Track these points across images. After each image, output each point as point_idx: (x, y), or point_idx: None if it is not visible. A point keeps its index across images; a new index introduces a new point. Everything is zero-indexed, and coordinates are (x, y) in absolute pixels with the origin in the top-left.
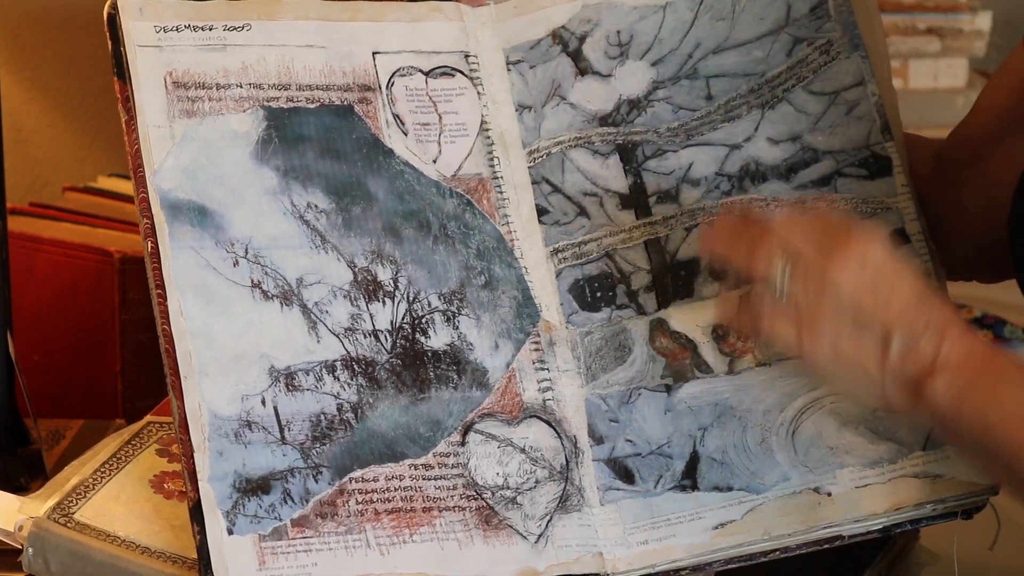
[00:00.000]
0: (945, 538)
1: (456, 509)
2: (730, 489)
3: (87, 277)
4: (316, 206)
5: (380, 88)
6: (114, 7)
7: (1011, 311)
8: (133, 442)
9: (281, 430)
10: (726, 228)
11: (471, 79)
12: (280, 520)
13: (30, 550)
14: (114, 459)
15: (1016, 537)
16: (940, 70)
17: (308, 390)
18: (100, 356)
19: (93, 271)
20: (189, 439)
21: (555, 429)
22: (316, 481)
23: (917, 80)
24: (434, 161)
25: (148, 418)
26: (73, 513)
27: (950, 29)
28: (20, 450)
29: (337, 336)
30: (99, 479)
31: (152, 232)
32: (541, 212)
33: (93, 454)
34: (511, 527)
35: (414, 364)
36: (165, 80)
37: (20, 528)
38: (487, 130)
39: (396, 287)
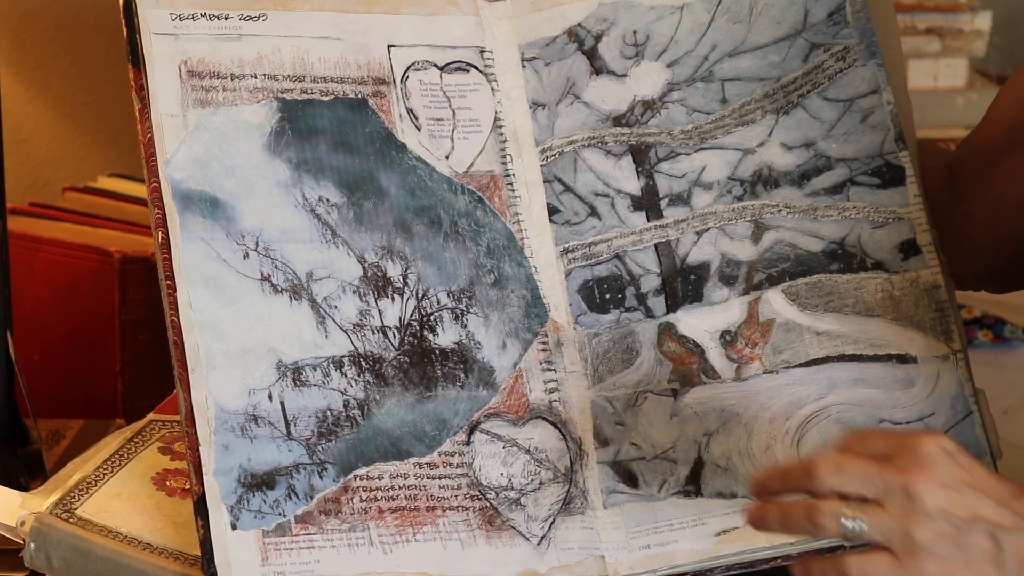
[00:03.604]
0: None
1: (460, 509)
2: (734, 496)
3: (87, 277)
4: (327, 200)
5: (394, 82)
6: None
7: (1011, 311)
8: (135, 440)
9: (287, 425)
10: (770, 507)
11: (486, 75)
12: (284, 516)
13: (32, 545)
14: (116, 456)
15: None
16: (940, 70)
17: (315, 386)
18: (100, 356)
19: (93, 271)
20: (195, 432)
21: (560, 430)
22: (321, 478)
23: (917, 80)
24: (447, 157)
25: (150, 416)
26: (75, 509)
27: (950, 29)
28: (20, 450)
29: (345, 332)
30: (101, 476)
31: (163, 222)
32: (552, 211)
33: (95, 451)
34: (514, 528)
35: (421, 362)
36: (180, 69)
37: (22, 524)
38: (500, 127)
39: (405, 283)
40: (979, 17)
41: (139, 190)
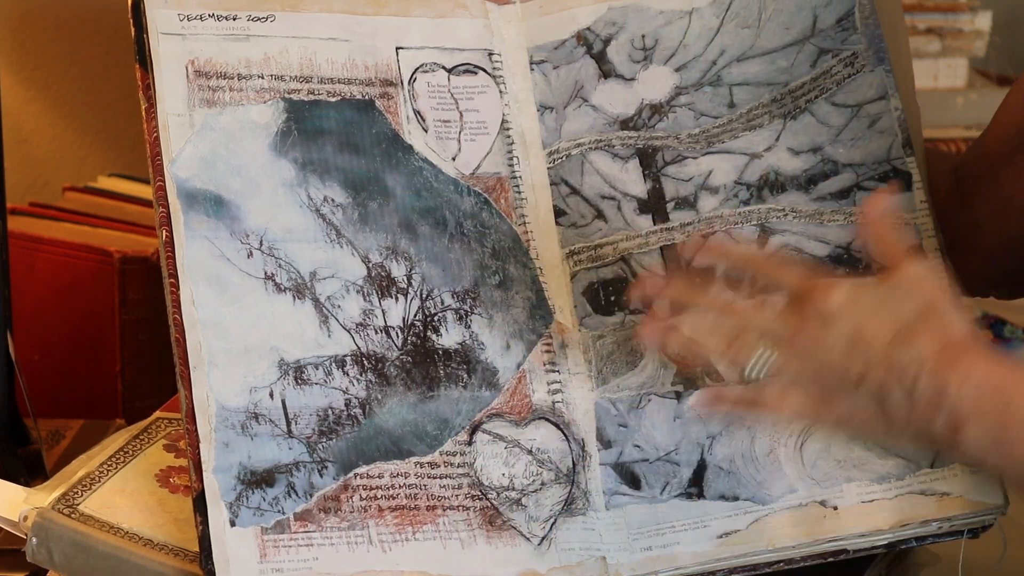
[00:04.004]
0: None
1: (460, 508)
2: (736, 499)
3: (87, 277)
4: (333, 200)
5: (402, 83)
6: None
7: (1011, 311)
8: (141, 437)
9: (288, 423)
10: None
11: (494, 77)
12: (283, 513)
13: (34, 540)
14: (121, 453)
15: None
16: (940, 70)
17: (317, 384)
18: (100, 356)
19: (93, 271)
20: (195, 429)
21: (563, 432)
22: (321, 476)
23: (917, 80)
24: (453, 159)
25: (157, 414)
26: (78, 504)
27: (950, 29)
28: (20, 450)
29: (348, 331)
30: (105, 472)
31: (167, 221)
32: (558, 213)
33: (101, 448)
34: (515, 528)
35: (424, 362)
36: (187, 69)
37: (25, 518)
38: (508, 129)
39: (410, 284)
40: (979, 17)
41: (139, 190)
